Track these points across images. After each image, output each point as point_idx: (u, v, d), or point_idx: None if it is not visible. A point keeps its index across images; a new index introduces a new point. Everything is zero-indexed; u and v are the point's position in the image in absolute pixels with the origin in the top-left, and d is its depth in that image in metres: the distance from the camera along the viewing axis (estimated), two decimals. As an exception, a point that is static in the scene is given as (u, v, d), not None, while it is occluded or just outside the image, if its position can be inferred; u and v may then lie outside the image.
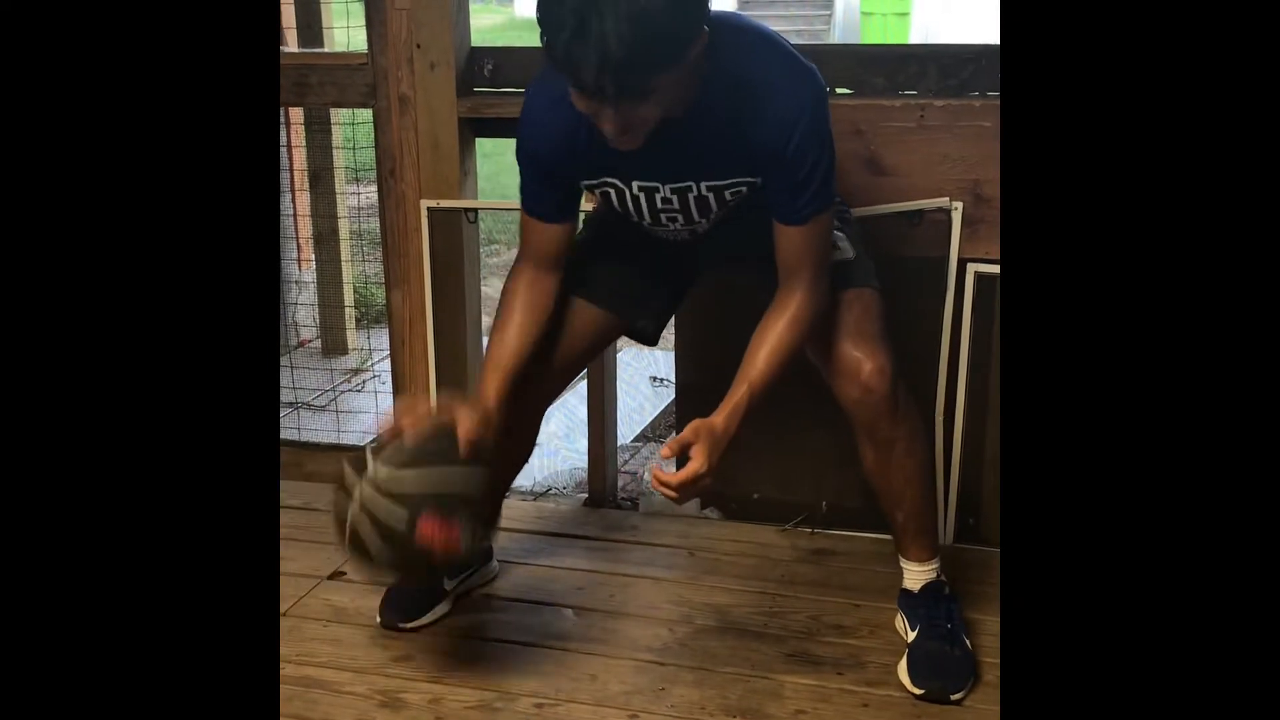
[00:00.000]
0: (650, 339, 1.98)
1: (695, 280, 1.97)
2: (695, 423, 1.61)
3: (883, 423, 1.75)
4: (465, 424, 1.65)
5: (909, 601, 1.86)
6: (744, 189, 1.65)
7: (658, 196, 1.67)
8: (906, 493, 1.82)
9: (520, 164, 1.72)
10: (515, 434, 1.92)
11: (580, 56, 1.34)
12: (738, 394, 1.65)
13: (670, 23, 1.35)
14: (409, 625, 1.93)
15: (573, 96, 1.44)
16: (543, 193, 1.72)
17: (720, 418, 1.63)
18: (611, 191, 1.69)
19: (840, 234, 1.77)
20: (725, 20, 1.56)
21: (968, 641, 1.81)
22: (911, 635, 1.82)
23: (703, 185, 1.64)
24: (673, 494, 1.59)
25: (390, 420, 1.70)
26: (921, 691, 1.73)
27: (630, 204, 1.69)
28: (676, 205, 1.68)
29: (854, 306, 1.75)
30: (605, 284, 1.86)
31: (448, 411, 1.68)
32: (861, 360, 1.72)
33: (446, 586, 1.97)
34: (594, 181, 1.69)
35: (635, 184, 1.66)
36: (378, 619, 1.94)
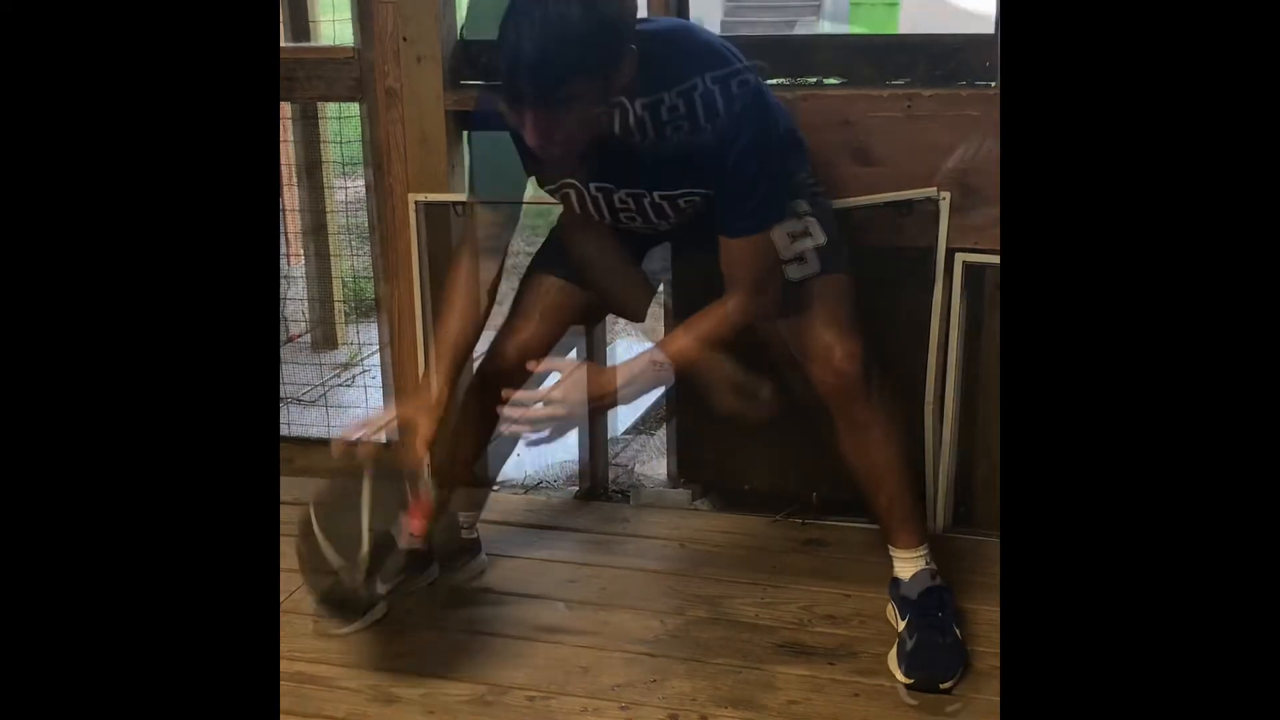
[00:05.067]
0: (639, 315, 2.03)
1: (672, 261, 2.02)
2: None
3: (858, 407, 1.77)
4: (424, 430, 1.74)
5: (898, 591, 1.87)
6: (697, 198, 1.68)
7: (615, 197, 1.71)
8: (887, 477, 1.83)
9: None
10: (482, 426, 1.98)
11: (501, 56, 1.44)
12: (639, 357, 1.71)
13: (587, 34, 1.43)
14: (341, 631, 1.92)
15: (503, 110, 1.50)
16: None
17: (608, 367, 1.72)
18: (571, 193, 1.73)
19: (812, 218, 1.78)
20: (671, 33, 1.61)
21: (958, 630, 1.81)
22: (901, 624, 1.82)
23: (656, 194, 1.68)
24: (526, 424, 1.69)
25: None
26: (911, 680, 1.73)
27: (590, 205, 1.73)
28: (633, 208, 1.71)
29: (826, 292, 1.77)
30: (589, 265, 1.89)
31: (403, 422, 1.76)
32: (833, 345, 1.74)
33: (380, 589, 1.93)
34: (553, 185, 1.73)
35: (593, 185, 1.70)
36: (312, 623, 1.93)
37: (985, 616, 1.88)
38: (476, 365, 1.97)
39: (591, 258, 1.89)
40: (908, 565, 1.87)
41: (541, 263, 1.94)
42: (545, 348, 1.91)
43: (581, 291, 1.90)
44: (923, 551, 1.88)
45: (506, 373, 1.88)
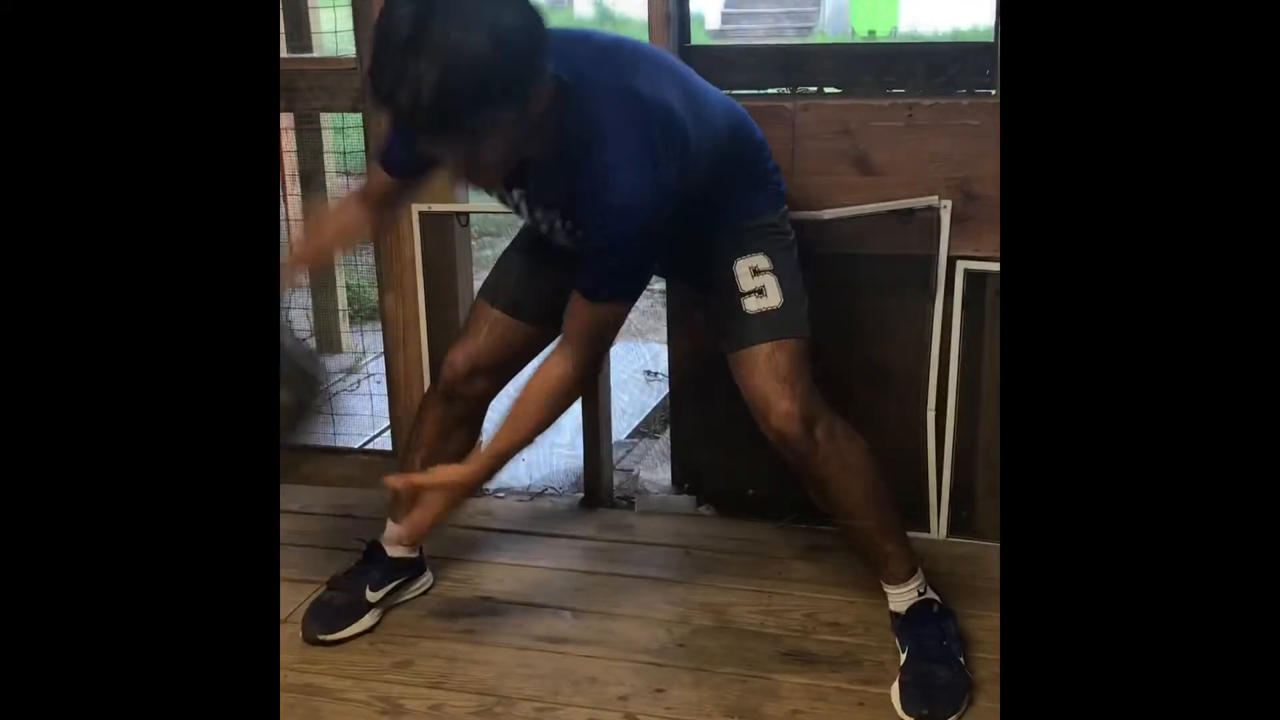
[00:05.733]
0: None
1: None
2: (444, 471, 1.73)
3: (803, 463, 1.78)
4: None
5: (898, 623, 1.85)
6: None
7: (536, 213, 1.70)
8: (855, 523, 1.84)
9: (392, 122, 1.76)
10: (461, 431, 1.98)
11: (396, 96, 1.36)
12: (483, 459, 1.72)
13: (493, 67, 1.36)
14: (329, 638, 1.93)
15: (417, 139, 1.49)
16: (396, 148, 1.77)
17: (466, 470, 1.72)
18: (507, 196, 1.73)
19: (771, 275, 1.77)
20: (602, 82, 1.57)
21: (962, 659, 1.78)
22: (903, 657, 1.79)
23: (568, 221, 1.66)
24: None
25: None
26: (911, 719, 1.70)
27: (521, 209, 1.73)
28: (559, 227, 1.68)
29: (774, 354, 1.76)
30: (533, 297, 1.88)
31: None
32: (771, 402, 1.75)
33: (370, 598, 1.98)
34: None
35: (516, 191, 1.70)
36: (300, 633, 1.94)
37: (986, 623, 1.89)
38: (434, 379, 2.00)
39: (538, 292, 1.89)
40: (902, 598, 1.85)
41: (494, 299, 1.95)
42: (503, 358, 1.93)
43: (536, 327, 1.89)
44: (915, 583, 1.85)
45: (463, 382, 1.92)
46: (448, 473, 1.71)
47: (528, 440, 1.71)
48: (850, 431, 1.80)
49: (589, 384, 1.88)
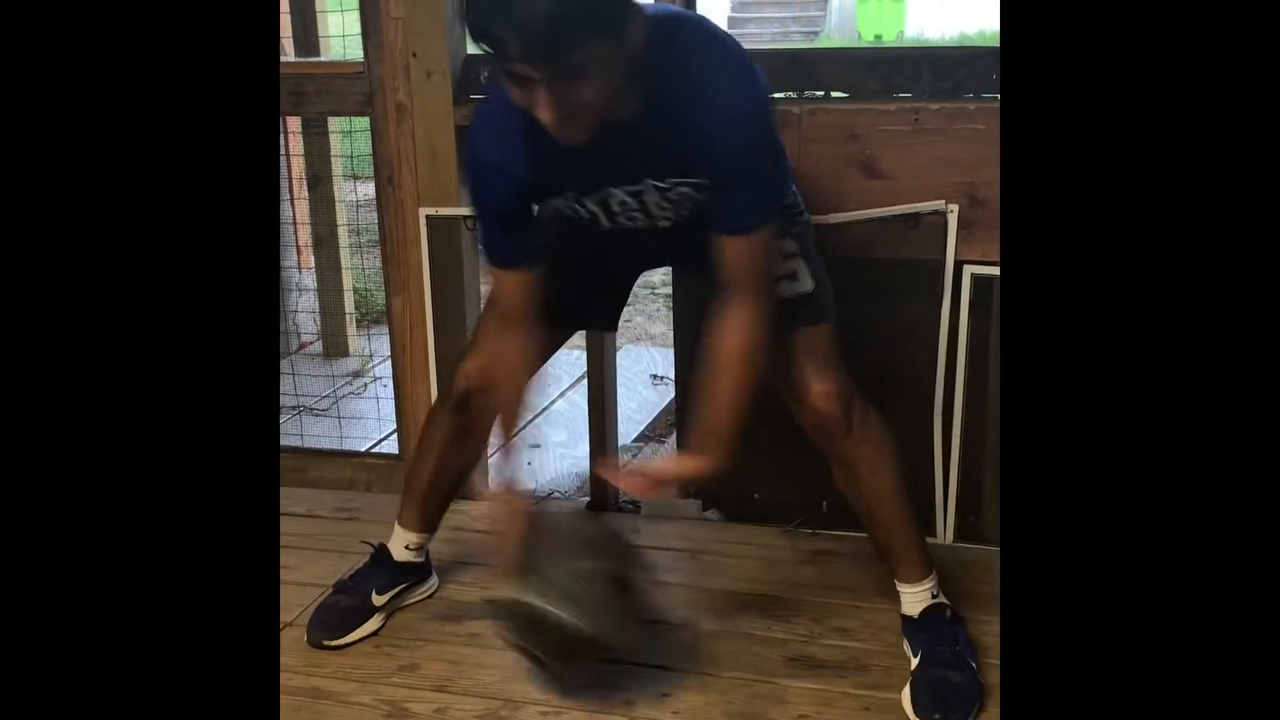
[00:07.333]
0: (609, 325, 2.08)
1: (648, 266, 1.97)
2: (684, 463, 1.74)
3: (840, 444, 1.77)
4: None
5: (910, 627, 1.84)
6: (689, 189, 1.61)
7: (613, 202, 1.63)
8: (880, 512, 1.82)
9: (476, 211, 1.72)
10: (471, 441, 1.98)
11: (503, 27, 1.31)
12: (720, 440, 1.68)
13: None
14: (334, 643, 1.93)
15: (508, 89, 1.40)
16: (503, 238, 1.69)
17: (706, 460, 1.69)
18: (565, 210, 1.68)
19: (800, 260, 1.74)
20: (670, 19, 1.54)
21: (974, 663, 1.77)
22: (914, 662, 1.79)
23: (653, 185, 1.61)
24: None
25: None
26: None
27: (586, 213, 1.67)
28: (635, 205, 1.64)
29: (810, 339, 1.75)
30: (554, 273, 1.79)
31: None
32: (810, 383, 1.73)
33: (376, 602, 1.98)
34: (557, 201, 1.67)
35: (589, 200, 1.64)
36: (305, 638, 1.94)
37: (992, 628, 1.88)
38: (447, 386, 1.96)
39: (558, 265, 1.80)
40: (915, 599, 1.84)
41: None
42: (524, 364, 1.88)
43: (551, 330, 1.85)
44: (928, 585, 1.84)
45: (479, 393, 1.87)
46: (688, 464, 1.71)
47: (750, 402, 1.66)
48: (881, 418, 1.80)
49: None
